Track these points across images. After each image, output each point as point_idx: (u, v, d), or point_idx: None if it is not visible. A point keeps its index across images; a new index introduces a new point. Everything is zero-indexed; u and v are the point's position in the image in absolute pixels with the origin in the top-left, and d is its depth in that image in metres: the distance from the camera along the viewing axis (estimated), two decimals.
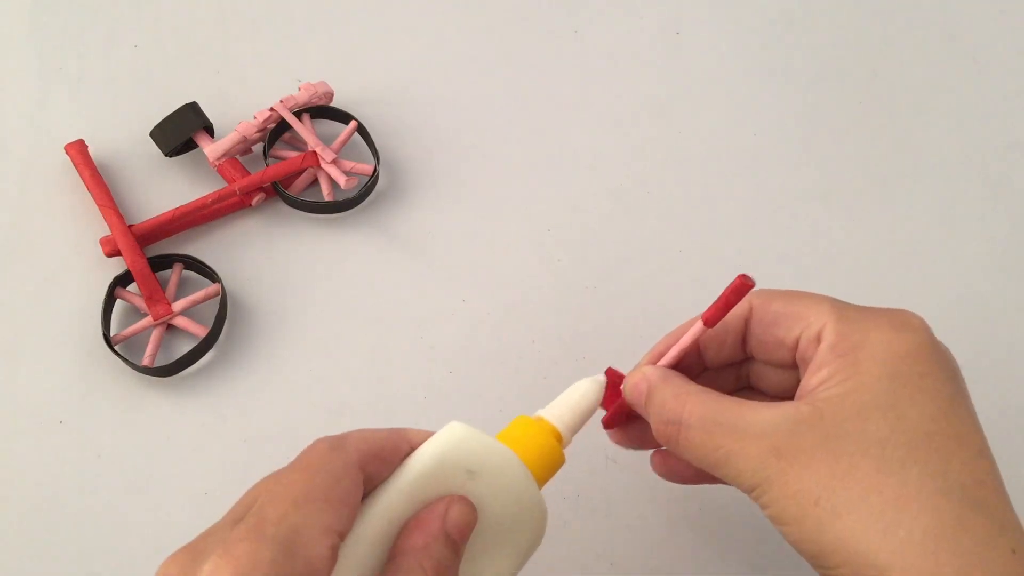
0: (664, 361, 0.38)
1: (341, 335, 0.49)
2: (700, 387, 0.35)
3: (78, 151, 0.51)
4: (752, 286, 0.34)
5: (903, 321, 0.34)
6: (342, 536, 0.30)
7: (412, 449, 0.34)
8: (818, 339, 0.34)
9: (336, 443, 0.32)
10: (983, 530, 0.30)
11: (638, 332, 0.50)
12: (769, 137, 0.56)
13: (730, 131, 0.56)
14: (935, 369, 0.33)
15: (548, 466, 0.36)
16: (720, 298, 0.35)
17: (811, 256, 0.53)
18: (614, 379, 0.39)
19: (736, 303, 0.35)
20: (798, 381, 0.37)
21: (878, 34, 0.59)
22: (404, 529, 0.32)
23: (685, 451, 0.35)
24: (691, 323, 0.38)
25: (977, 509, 0.31)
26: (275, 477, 0.31)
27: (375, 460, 0.32)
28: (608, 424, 0.41)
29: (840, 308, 0.34)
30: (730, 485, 0.34)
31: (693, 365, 0.39)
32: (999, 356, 0.51)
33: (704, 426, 0.34)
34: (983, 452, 0.32)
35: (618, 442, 0.41)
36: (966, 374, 0.48)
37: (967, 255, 0.53)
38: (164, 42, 0.57)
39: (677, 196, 0.54)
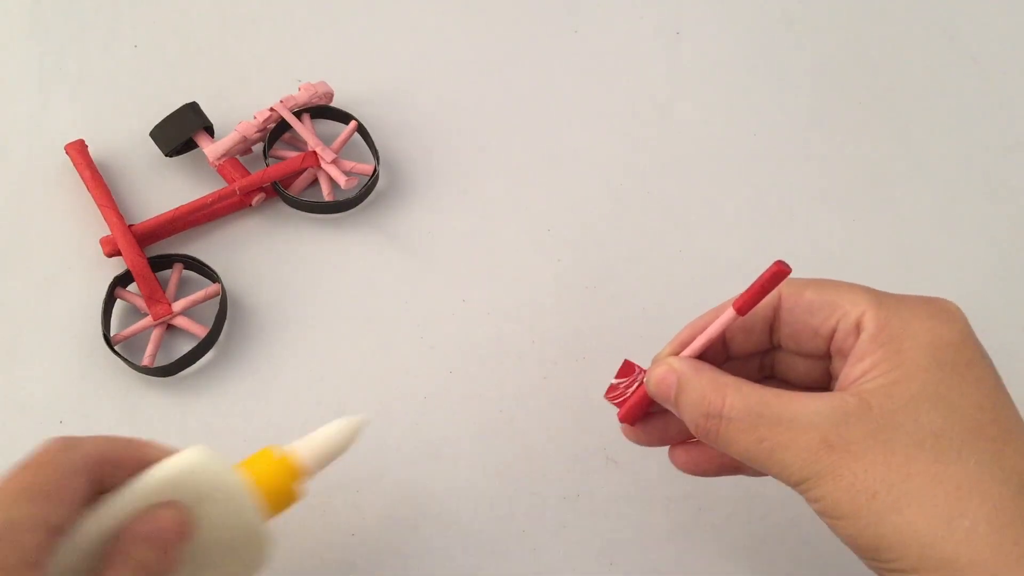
0: (690, 351, 0.36)
1: (341, 335, 0.49)
2: (737, 378, 0.34)
3: (78, 151, 0.51)
4: (789, 272, 0.33)
5: (942, 309, 0.33)
6: (60, 531, 0.30)
7: (149, 462, 0.34)
8: (857, 328, 0.33)
9: (70, 444, 0.32)
10: None
11: (638, 332, 0.50)
12: (769, 137, 0.56)
13: (730, 131, 0.56)
14: (979, 358, 0.33)
15: (279, 503, 0.37)
16: (754, 285, 0.34)
17: (811, 256, 0.53)
18: (631, 372, 0.39)
19: (772, 290, 0.34)
20: (827, 371, 0.36)
21: (878, 34, 0.59)
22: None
23: (726, 445, 0.34)
24: (718, 311, 0.37)
25: None
26: (6, 473, 0.32)
27: (109, 465, 0.33)
28: (626, 419, 0.39)
29: (877, 296, 0.34)
30: (772, 477, 0.34)
31: (717, 354, 0.38)
32: (999, 356, 0.51)
33: (748, 418, 0.33)
34: None
35: (636, 439, 0.39)
36: None
37: (967, 255, 0.53)
38: (164, 42, 0.57)
39: (677, 196, 0.54)
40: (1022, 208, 0.55)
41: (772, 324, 0.37)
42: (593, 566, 0.45)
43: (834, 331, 0.34)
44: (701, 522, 0.46)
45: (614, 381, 0.39)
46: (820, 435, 0.32)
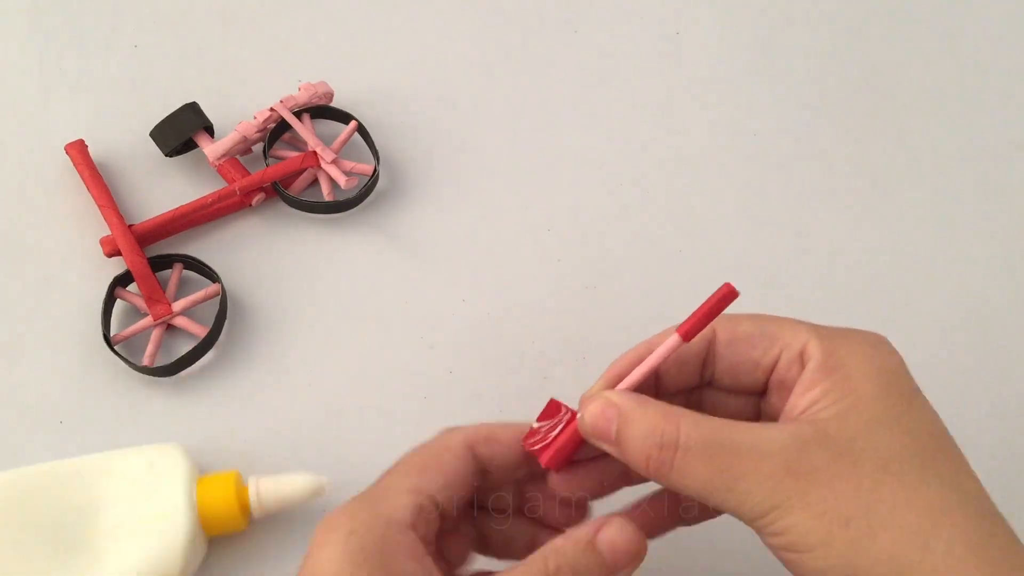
0: (627, 383, 0.34)
1: (341, 335, 0.49)
2: (687, 409, 0.33)
3: (78, 151, 0.51)
4: (737, 295, 0.32)
5: (880, 340, 0.34)
6: (433, 498, 0.33)
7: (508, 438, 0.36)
8: (801, 358, 0.33)
9: (452, 428, 0.36)
10: (1004, 537, 0.31)
11: (638, 332, 0.50)
12: (769, 137, 0.56)
13: (730, 131, 0.56)
14: (918, 388, 0.33)
15: (219, 525, 0.42)
16: (701, 308, 0.33)
17: (811, 256, 0.53)
18: (556, 412, 0.35)
19: (719, 313, 0.33)
20: (758, 409, 0.36)
21: (878, 34, 0.59)
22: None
23: (681, 477, 0.32)
24: (653, 342, 0.35)
25: (994, 518, 0.31)
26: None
27: (484, 441, 0.35)
28: (552, 464, 0.35)
29: (816, 328, 0.34)
30: (728, 513, 0.32)
31: (647, 391, 0.35)
32: (999, 356, 0.51)
33: (707, 447, 0.31)
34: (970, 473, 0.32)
35: (565, 489, 0.36)
36: (966, 374, 0.49)
37: (967, 255, 0.53)
38: (164, 42, 0.57)
39: (677, 196, 0.54)
40: (1022, 208, 0.55)
41: (704, 359, 0.36)
42: None
43: (775, 363, 0.34)
44: (702, 524, 0.46)
45: (535, 424, 0.35)
46: (783, 462, 0.31)
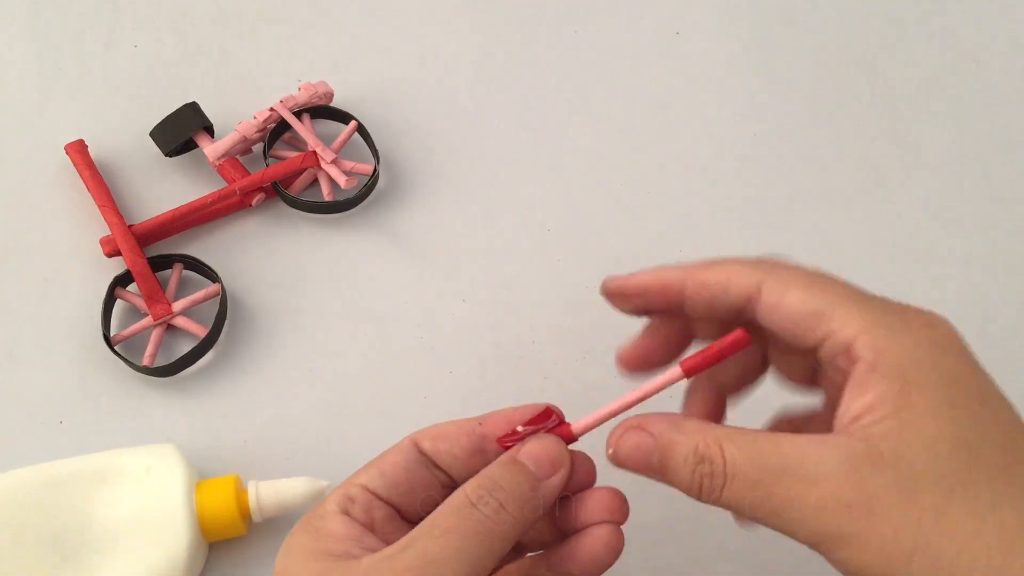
0: (619, 406, 0.33)
1: (341, 335, 0.49)
2: (724, 426, 0.31)
3: (78, 151, 0.51)
4: (749, 343, 0.31)
5: (944, 334, 0.30)
6: (364, 486, 0.33)
7: (481, 426, 0.35)
8: (848, 350, 0.30)
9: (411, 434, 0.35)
10: None
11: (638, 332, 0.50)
12: (769, 137, 0.56)
13: (730, 131, 0.56)
14: (990, 391, 0.30)
15: (219, 530, 0.42)
16: (712, 348, 0.32)
17: (811, 256, 0.52)
18: (544, 419, 0.35)
19: (728, 358, 0.31)
20: (812, 370, 0.34)
21: (878, 34, 0.59)
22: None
23: (728, 503, 0.30)
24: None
25: None
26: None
27: (431, 438, 0.35)
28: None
29: (872, 313, 0.30)
30: (785, 535, 0.30)
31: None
32: (999, 356, 0.51)
33: (751, 473, 0.29)
34: None
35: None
36: None
37: (967, 255, 0.53)
38: (164, 42, 0.57)
39: (677, 196, 0.54)
40: (1022, 208, 0.55)
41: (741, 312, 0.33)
42: None
43: (820, 344, 0.31)
44: (701, 522, 0.46)
45: (520, 428, 0.34)
46: (835, 491, 0.28)
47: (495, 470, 0.32)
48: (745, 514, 0.30)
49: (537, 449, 0.33)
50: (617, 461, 0.33)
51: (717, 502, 0.30)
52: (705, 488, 0.30)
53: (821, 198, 0.54)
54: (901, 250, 0.53)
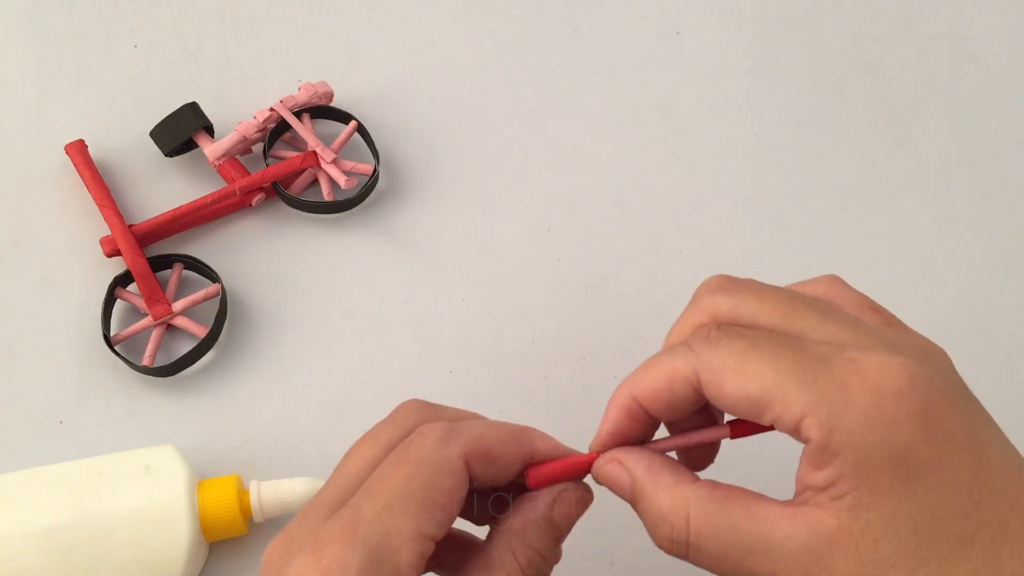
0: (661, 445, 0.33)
1: (341, 335, 0.49)
2: (696, 484, 0.30)
3: (78, 151, 0.51)
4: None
5: (891, 402, 0.28)
6: (435, 539, 0.29)
7: (532, 457, 0.32)
8: (796, 432, 0.29)
9: (447, 436, 0.31)
10: None
11: (638, 332, 0.50)
12: (769, 137, 0.56)
13: (730, 131, 0.56)
14: (949, 449, 0.28)
15: (220, 530, 0.42)
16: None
17: (811, 256, 0.53)
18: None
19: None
20: None
21: (878, 34, 0.59)
22: (512, 509, 0.32)
23: (697, 564, 0.30)
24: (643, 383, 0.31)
25: None
26: (376, 459, 0.31)
27: (483, 460, 0.31)
28: (534, 486, 0.33)
29: (810, 393, 0.28)
30: None
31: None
32: (999, 356, 0.51)
33: (717, 546, 0.29)
34: None
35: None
36: (966, 375, 0.48)
37: (967, 255, 0.53)
38: (164, 42, 0.57)
39: (677, 196, 0.54)
40: (1022, 208, 0.55)
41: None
42: (593, 566, 0.45)
43: (772, 423, 0.29)
44: None
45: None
46: (802, 570, 0.28)
47: (540, 540, 0.31)
48: (711, 571, 0.30)
49: (569, 512, 0.32)
50: (598, 482, 0.33)
51: (685, 559, 0.30)
52: (670, 549, 0.31)
53: (821, 198, 0.54)
54: (901, 250, 0.53)
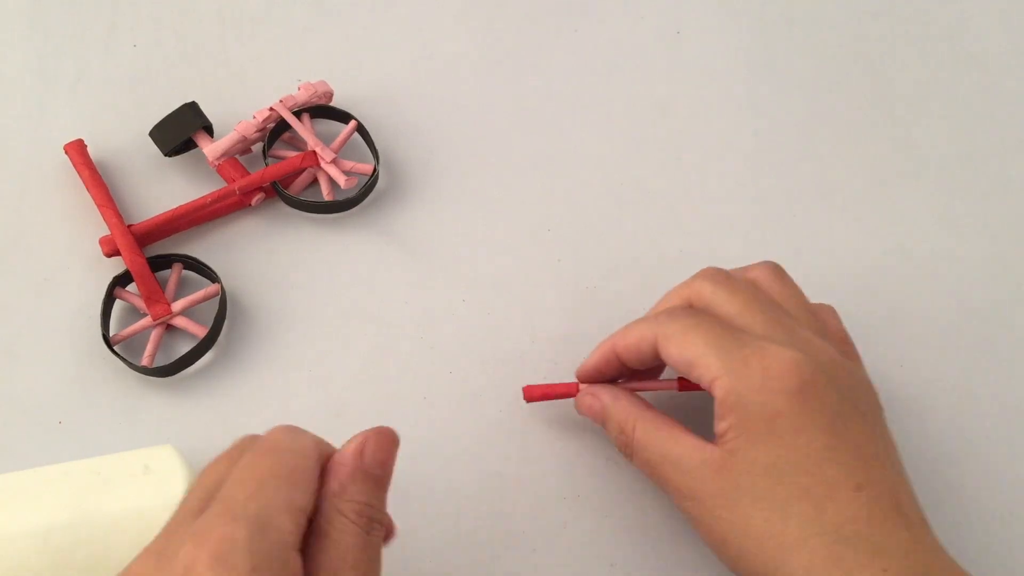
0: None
1: (341, 335, 0.49)
2: (644, 409, 0.42)
3: (77, 151, 0.51)
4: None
5: (775, 375, 0.38)
6: (306, 513, 0.31)
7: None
8: (711, 388, 0.39)
9: (295, 429, 0.34)
10: (852, 560, 0.36)
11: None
12: (769, 137, 0.56)
13: (730, 131, 0.56)
14: (808, 423, 0.38)
15: None
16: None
17: (811, 256, 0.53)
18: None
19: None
20: None
21: (878, 34, 0.59)
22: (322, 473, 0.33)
23: (632, 459, 0.43)
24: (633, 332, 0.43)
25: (847, 543, 0.36)
26: (234, 463, 0.32)
27: (333, 465, 0.34)
28: (529, 399, 0.47)
29: (722, 362, 0.39)
30: None
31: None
32: (999, 356, 0.51)
33: (645, 451, 0.41)
34: (860, 486, 0.37)
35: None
36: (966, 375, 0.48)
37: (967, 255, 0.53)
38: (164, 42, 0.57)
39: (677, 196, 0.54)
40: (1022, 208, 0.55)
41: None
42: (593, 566, 0.45)
43: (697, 381, 0.40)
44: None
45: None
46: (689, 483, 0.39)
47: (361, 491, 0.33)
48: (641, 469, 0.42)
49: (376, 454, 0.34)
50: (579, 412, 0.45)
51: (627, 457, 0.43)
52: (622, 452, 0.43)
53: (821, 198, 0.54)
54: (901, 251, 0.53)
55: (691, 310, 0.42)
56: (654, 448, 0.41)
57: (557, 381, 0.47)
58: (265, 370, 0.48)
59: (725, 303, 0.41)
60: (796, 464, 0.37)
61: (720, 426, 0.39)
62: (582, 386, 0.45)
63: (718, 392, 0.39)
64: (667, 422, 0.41)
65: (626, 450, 0.43)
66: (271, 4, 0.58)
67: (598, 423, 0.44)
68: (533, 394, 0.46)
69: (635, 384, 0.45)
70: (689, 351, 0.39)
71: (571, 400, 0.46)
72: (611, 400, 0.43)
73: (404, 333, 0.50)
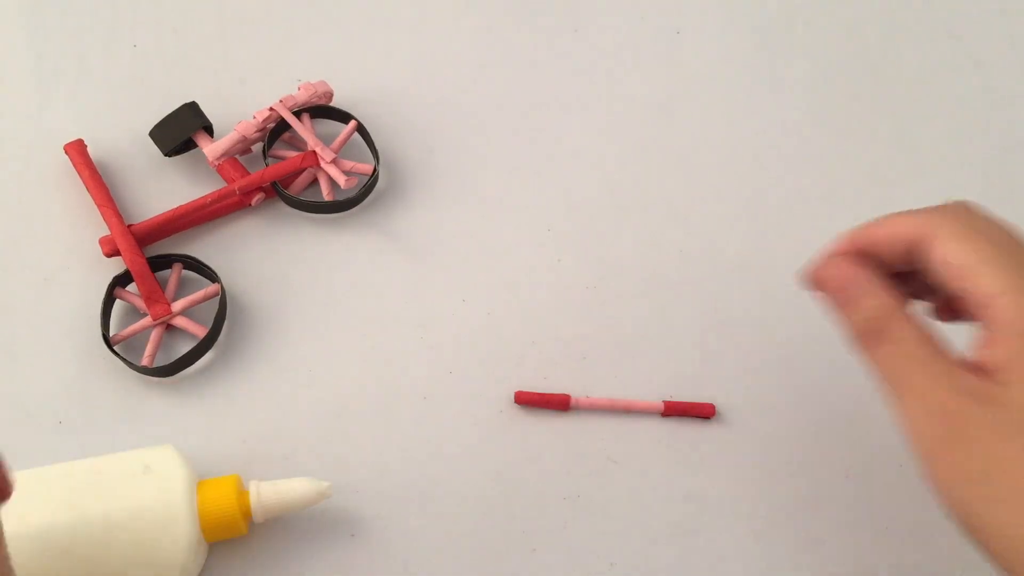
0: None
1: (341, 335, 0.49)
2: (906, 309, 0.35)
3: (77, 151, 0.51)
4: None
5: None
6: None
7: None
8: (987, 305, 0.33)
9: None
10: None
11: (638, 332, 0.50)
12: (769, 137, 0.56)
13: (730, 131, 0.56)
14: None
15: (220, 530, 0.42)
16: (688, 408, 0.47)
17: (811, 256, 0.53)
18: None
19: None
20: None
21: (878, 34, 0.59)
22: None
23: (873, 362, 0.35)
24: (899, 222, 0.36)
25: None
26: None
27: None
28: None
29: (1014, 272, 0.33)
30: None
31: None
32: None
33: (893, 361, 0.34)
34: None
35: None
36: None
37: None
38: (164, 42, 0.56)
39: (677, 196, 0.54)
40: (1022, 208, 0.55)
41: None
42: (593, 566, 0.45)
43: (964, 296, 0.34)
44: (701, 522, 0.46)
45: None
46: (943, 405, 0.33)
47: None
48: (878, 376, 0.35)
49: None
50: (814, 281, 0.38)
51: (865, 354, 0.35)
52: (862, 341, 0.35)
53: (821, 198, 0.54)
54: None
55: (973, 211, 0.36)
56: (907, 355, 0.34)
57: (556, 382, 0.47)
58: (265, 370, 0.48)
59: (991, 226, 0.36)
60: None
61: (990, 355, 0.33)
62: (825, 258, 0.39)
63: (1000, 312, 0.32)
64: (929, 337, 0.34)
65: (869, 341, 0.35)
66: (271, 4, 0.58)
67: (834, 297, 0.37)
68: (524, 401, 0.47)
69: (621, 402, 0.46)
70: (972, 256, 0.33)
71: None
72: (867, 283, 0.36)
73: (404, 333, 0.50)
